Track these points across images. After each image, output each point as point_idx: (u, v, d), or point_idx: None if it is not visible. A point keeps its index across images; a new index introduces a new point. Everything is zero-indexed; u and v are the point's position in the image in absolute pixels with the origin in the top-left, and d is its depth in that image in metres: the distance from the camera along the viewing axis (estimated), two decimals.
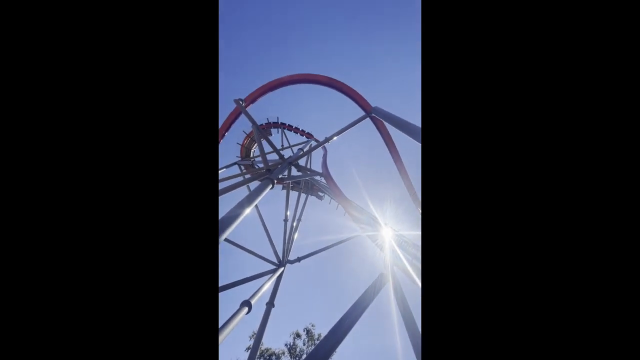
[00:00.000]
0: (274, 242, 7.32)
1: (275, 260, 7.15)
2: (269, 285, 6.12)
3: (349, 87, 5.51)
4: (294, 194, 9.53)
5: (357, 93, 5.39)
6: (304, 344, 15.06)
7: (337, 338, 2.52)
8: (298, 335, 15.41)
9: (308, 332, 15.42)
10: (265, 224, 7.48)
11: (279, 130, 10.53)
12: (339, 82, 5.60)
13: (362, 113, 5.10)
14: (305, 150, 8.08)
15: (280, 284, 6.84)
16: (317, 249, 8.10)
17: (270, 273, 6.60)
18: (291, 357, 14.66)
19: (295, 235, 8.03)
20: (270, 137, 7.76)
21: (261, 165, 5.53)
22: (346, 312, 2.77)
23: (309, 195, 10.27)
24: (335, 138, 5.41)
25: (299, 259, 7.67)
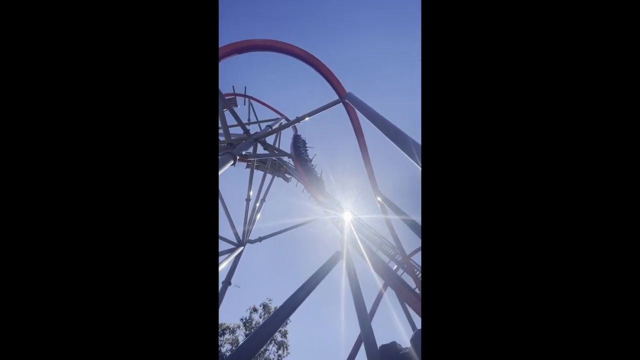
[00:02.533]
0: (234, 222, 7.05)
1: (234, 240, 6.95)
2: (226, 264, 5.99)
3: (326, 66, 5.29)
4: (259, 174, 9.11)
5: (333, 75, 5.23)
6: (260, 317, 15.69)
7: (292, 308, 2.70)
8: (255, 310, 15.90)
9: (265, 306, 16.04)
10: (226, 202, 7.05)
11: (246, 102, 9.56)
12: (317, 59, 5.31)
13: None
14: (274, 127, 7.64)
15: (240, 263, 6.77)
16: (280, 229, 8.17)
17: (228, 252, 6.43)
18: (246, 330, 15.15)
19: (258, 216, 7.87)
20: (235, 109, 6.99)
21: (223, 139, 5.01)
22: (301, 285, 2.97)
23: (275, 177, 9.99)
24: (307, 119, 5.24)
25: (260, 239, 7.63)
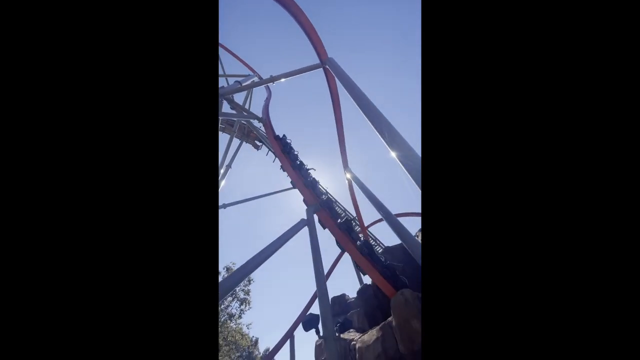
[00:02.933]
0: None
1: None
2: None
3: (309, 22, 4.64)
4: (225, 137, 8.25)
5: (316, 34, 4.67)
6: (222, 278, 16.25)
7: (254, 266, 2.88)
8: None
9: (228, 269, 16.52)
10: None
11: None
12: (300, 9, 4.57)
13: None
14: (244, 84, 6.70)
15: None
16: (247, 197, 7.95)
17: None
18: None
19: (223, 182, 7.40)
20: None
21: None
22: (265, 247, 3.12)
23: (245, 143, 9.25)
24: (282, 80, 4.74)
25: (224, 206, 7.35)
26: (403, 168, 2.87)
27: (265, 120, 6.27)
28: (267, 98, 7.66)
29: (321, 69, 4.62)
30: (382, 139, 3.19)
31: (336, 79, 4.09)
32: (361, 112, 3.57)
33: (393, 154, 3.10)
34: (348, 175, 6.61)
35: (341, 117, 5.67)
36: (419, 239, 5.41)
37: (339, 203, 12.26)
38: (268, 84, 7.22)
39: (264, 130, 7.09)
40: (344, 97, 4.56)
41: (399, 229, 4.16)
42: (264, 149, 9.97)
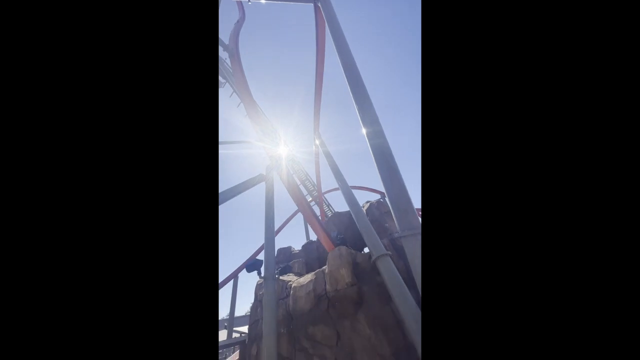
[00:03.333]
0: None
1: None
2: None
3: None
4: None
5: None
6: None
7: None
8: None
9: None
10: None
11: None
12: None
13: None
14: None
15: None
16: None
17: None
18: None
19: None
20: None
21: None
22: (220, 193, 3.02)
23: None
24: (263, 1, 3.79)
25: None
26: (369, 147, 3.03)
27: (234, 51, 5.10)
28: (238, 21, 6.04)
29: (312, 4, 3.87)
30: (356, 110, 3.18)
31: (326, 23, 3.55)
32: (343, 74, 3.36)
33: (363, 130, 3.19)
34: (317, 141, 6.53)
35: (322, 71, 5.14)
36: (364, 209, 6.21)
37: (302, 166, 12.38)
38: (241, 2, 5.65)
39: (229, 63, 5.87)
40: (330, 49, 4.03)
41: (350, 198, 4.63)
42: (228, 88, 8.46)
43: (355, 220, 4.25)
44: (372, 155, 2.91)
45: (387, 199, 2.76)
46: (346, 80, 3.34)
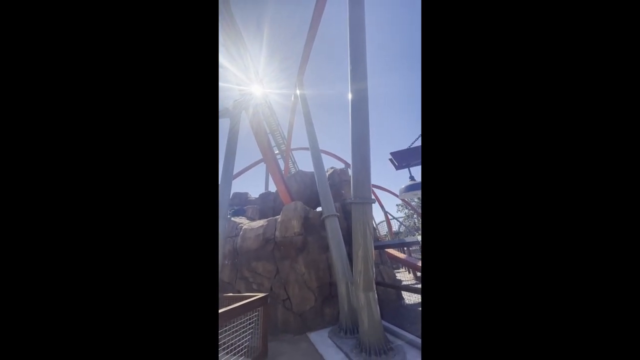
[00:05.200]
0: None
1: None
2: None
3: None
4: None
5: None
6: None
7: None
8: None
9: None
10: None
11: None
12: None
13: None
14: None
15: None
16: None
17: None
18: None
19: None
20: None
21: None
22: None
23: None
24: None
25: None
26: (350, 118, 2.97)
27: None
28: None
29: None
30: (349, 71, 2.95)
31: None
32: (348, 22, 2.93)
33: (349, 96, 3.05)
34: (298, 91, 5.94)
35: (322, 13, 4.37)
36: (328, 174, 6.52)
37: (275, 116, 11.40)
38: None
39: None
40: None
41: (317, 161, 4.74)
42: None
43: (317, 181, 4.49)
44: (350, 126, 2.92)
45: (350, 169, 2.96)
46: (348, 32, 2.94)
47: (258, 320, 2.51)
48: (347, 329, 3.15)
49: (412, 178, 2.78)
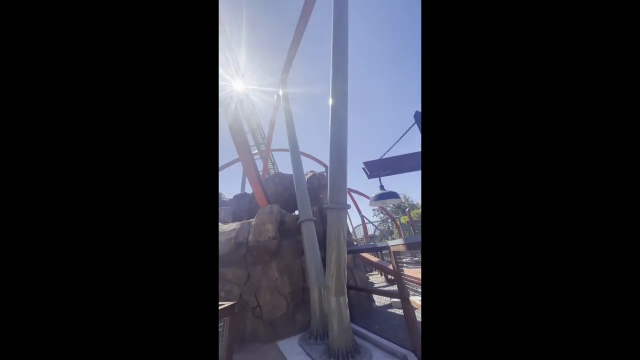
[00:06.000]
0: None
1: None
2: None
3: None
4: None
5: None
6: None
7: None
8: None
9: None
10: None
11: None
12: None
13: None
14: None
15: None
16: None
17: None
18: None
19: None
20: None
21: None
22: None
23: None
24: None
25: None
26: (329, 121, 3.02)
27: None
28: None
29: None
30: (331, 74, 3.01)
31: None
32: (332, 30, 3.00)
33: (330, 101, 3.10)
34: (281, 92, 5.85)
35: (310, 12, 4.41)
36: (307, 177, 6.50)
37: (256, 115, 11.06)
38: None
39: None
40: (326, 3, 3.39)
41: (296, 163, 4.69)
42: None
43: (295, 184, 4.43)
44: (330, 131, 2.96)
45: (328, 173, 2.99)
46: (332, 36, 3.01)
47: (223, 332, 2.35)
48: (317, 335, 3.12)
49: (381, 187, 2.94)
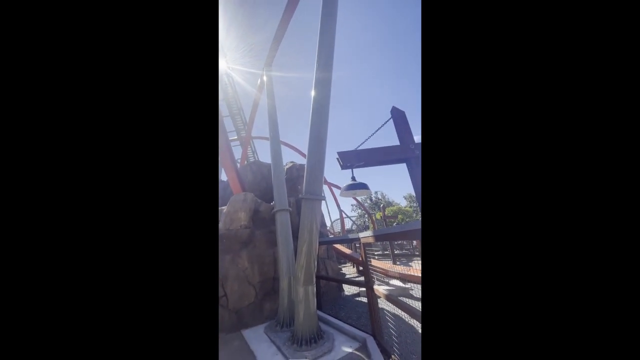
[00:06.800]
0: None
1: None
2: None
3: None
4: None
5: None
6: None
7: None
8: None
9: None
10: None
11: None
12: None
13: None
14: None
15: None
16: None
17: None
18: None
19: None
20: None
21: None
22: None
23: None
24: None
25: None
26: (311, 112, 2.94)
27: None
28: None
29: None
30: (315, 66, 2.91)
31: None
32: (320, 22, 2.87)
33: (312, 92, 3.01)
34: (265, 77, 5.52)
35: (292, 15, 4.18)
36: (286, 168, 6.36)
37: (239, 97, 10.39)
38: None
39: None
40: None
41: (276, 152, 4.54)
42: None
43: (272, 173, 4.30)
44: (310, 122, 2.89)
45: (306, 163, 2.95)
46: (319, 22, 2.89)
47: None
48: (284, 323, 3.15)
49: (353, 178, 3.00)
